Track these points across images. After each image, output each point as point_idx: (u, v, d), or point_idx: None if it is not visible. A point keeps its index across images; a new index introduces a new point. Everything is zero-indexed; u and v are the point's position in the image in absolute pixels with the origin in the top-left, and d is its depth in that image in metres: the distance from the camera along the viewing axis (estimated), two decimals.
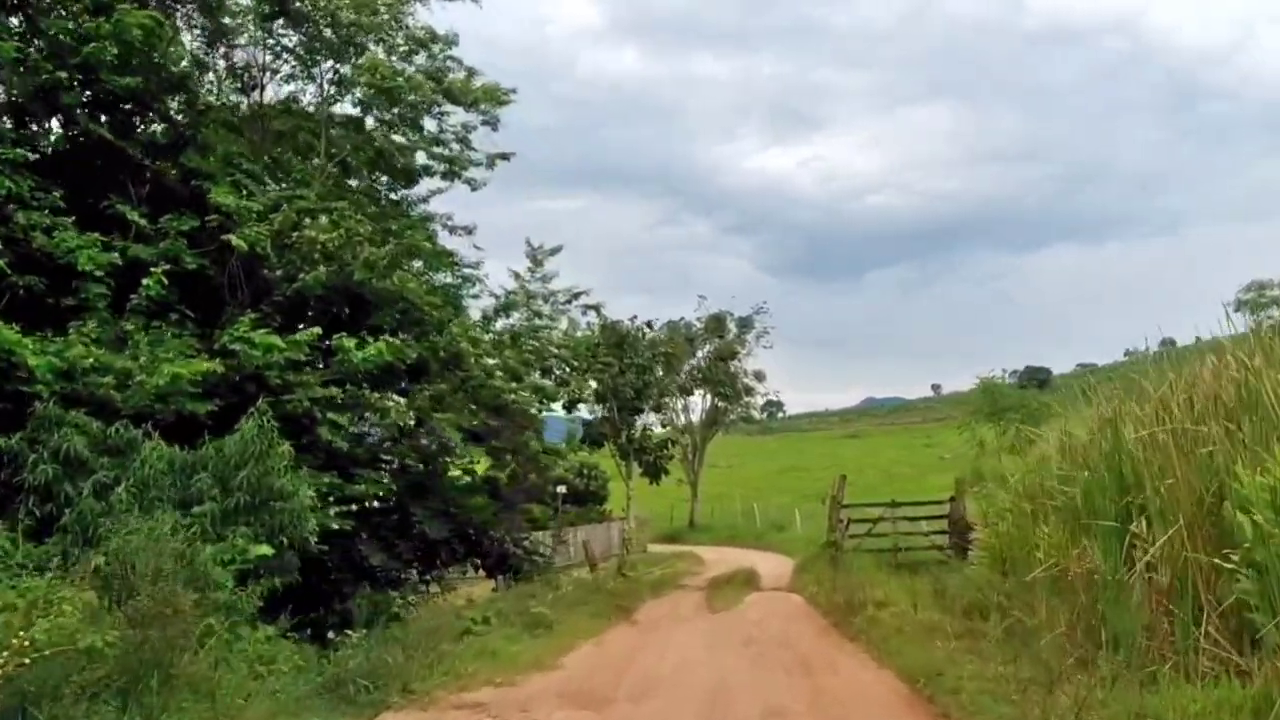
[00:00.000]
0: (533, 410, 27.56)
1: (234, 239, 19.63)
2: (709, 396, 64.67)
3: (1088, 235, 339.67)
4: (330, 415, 20.31)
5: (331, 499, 20.58)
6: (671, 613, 23.85)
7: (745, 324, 65.01)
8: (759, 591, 28.43)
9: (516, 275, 29.20)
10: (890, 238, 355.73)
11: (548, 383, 26.08)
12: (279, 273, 21.01)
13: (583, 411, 33.22)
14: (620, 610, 23.46)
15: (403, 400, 23.59)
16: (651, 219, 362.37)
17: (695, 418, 65.64)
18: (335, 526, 20.04)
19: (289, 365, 20.01)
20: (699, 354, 64.70)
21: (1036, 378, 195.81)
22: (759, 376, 65.80)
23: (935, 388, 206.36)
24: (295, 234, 20.85)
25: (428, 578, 26.80)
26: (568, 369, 29.90)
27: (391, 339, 21.24)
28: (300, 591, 20.39)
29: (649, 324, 31.56)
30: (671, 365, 32.89)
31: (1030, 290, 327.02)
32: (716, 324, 64.54)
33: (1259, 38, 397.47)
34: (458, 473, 27.33)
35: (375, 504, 25.26)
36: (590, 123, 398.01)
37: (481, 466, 60.77)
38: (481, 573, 28.75)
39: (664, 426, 67.12)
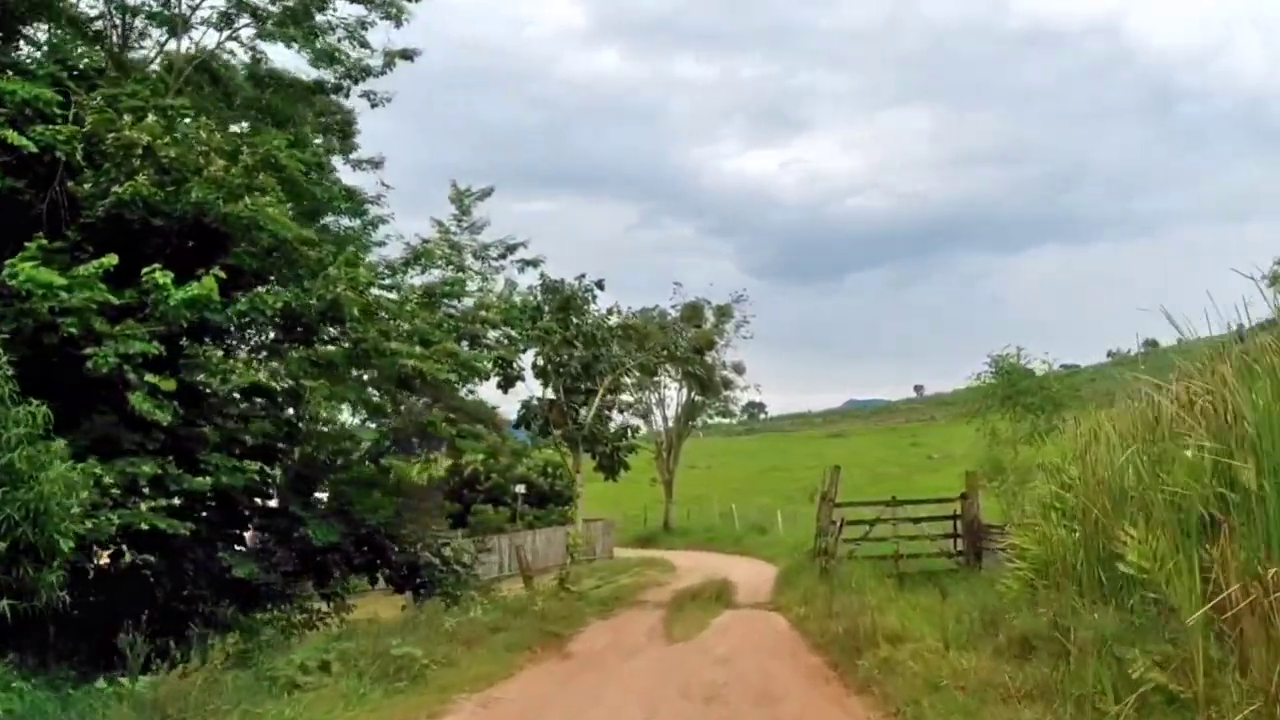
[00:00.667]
0: (455, 385, 21.74)
1: (11, 135, 14.00)
2: (684, 389, 59.06)
3: (1068, 236, 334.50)
4: (149, 378, 14.56)
5: (152, 491, 14.95)
6: (614, 643, 18.14)
7: (723, 313, 59.42)
8: (733, 610, 22.85)
9: (439, 224, 23.38)
10: (872, 240, 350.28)
11: (466, 349, 20.03)
12: (87, 186, 15.24)
13: (528, 391, 27.49)
14: (548, 640, 17.82)
15: (276, 365, 17.87)
16: (632, 220, 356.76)
17: (670, 412, 59.87)
18: (163, 527, 14.64)
19: (102, 312, 14.41)
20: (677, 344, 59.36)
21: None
22: (738, 369, 60.29)
23: (918, 389, 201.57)
24: (112, 136, 15.14)
25: (329, 592, 21.19)
26: (504, 339, 24.14)
27: (270, 291, 15.78)
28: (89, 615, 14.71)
29: (599, 284, 25.58)
30: (636, 343, 26.79)
31: (1012, 292, 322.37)
32: (693, 312, 58.92)
33: (1237, 40, 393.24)
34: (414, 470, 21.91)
35: (257, 500, 19.85)
36: (569, 124, 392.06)
37: (440, 466, 54.89)
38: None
39: (632, 420, 61.99)
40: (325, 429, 19.78)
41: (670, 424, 59.77)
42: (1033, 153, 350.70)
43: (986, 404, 30.79)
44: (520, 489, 49.34)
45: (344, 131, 24.44)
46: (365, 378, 20.27)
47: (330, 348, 18.81)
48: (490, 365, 21.56)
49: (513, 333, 23.64)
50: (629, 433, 28.08)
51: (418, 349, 18.86)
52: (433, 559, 21.96)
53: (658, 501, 61.30)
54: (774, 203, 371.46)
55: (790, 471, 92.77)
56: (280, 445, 18.52)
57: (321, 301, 17.22)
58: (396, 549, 21.18)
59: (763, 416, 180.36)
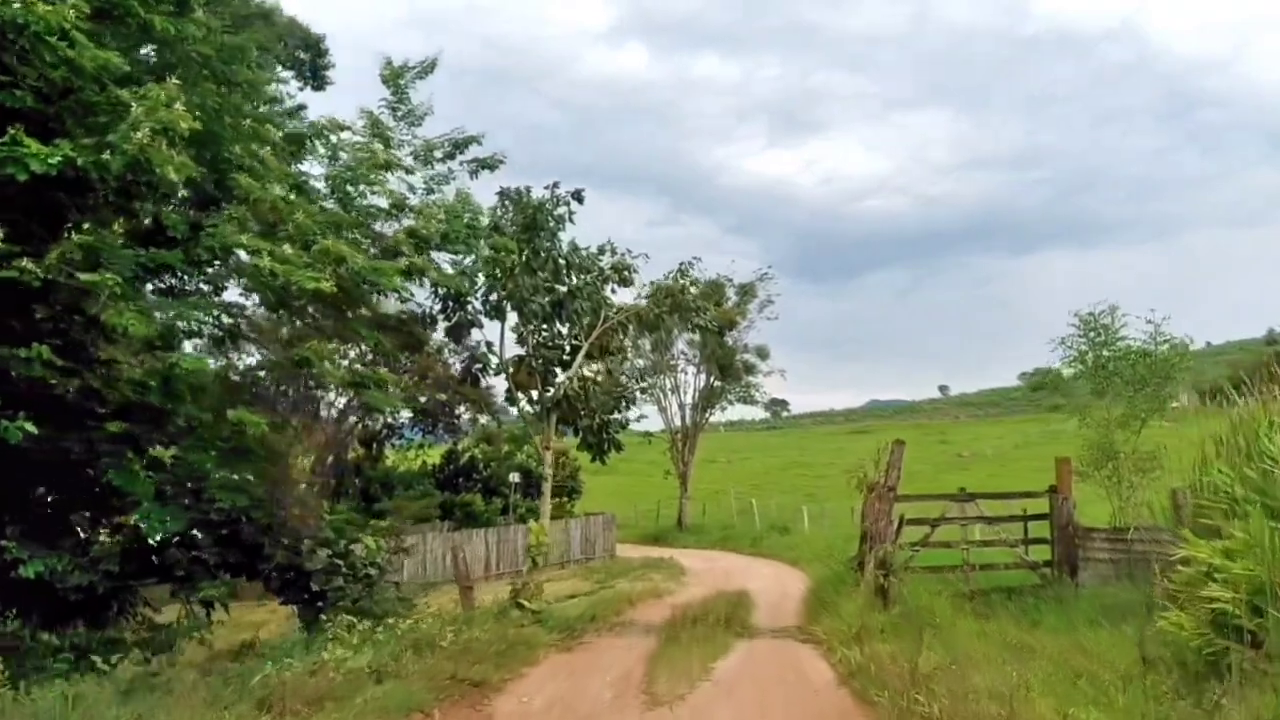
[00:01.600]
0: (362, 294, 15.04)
1: None
2: (702, 374, 52.29)
3: (1085, 239, 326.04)
4: None
5: None
6: (562, 703, 11.14)
7: (746, 292, 52.59)
8: (750, 639, 16.13)
9: (367, 113, 16.58)
10: (890, 240, 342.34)
11: (352, 252, 13.25)
12: None
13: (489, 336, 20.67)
14: (458, 697, 10.98)
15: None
16: (652, 218, 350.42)
17: (687, 399, 52.96)
18: None
19: None
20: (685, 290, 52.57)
21: (1046, 380, 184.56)
22: (761, 353, 53.38)
23: (943, 388, 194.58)
24: None
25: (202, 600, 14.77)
26: (459, 267, 17.41)
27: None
28: None
29: (577, 195, 18.61)
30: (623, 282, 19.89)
31: (1031, 294, 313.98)
32: (713, 290, 52.07)
33: (1255, 45, 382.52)
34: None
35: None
36: (591, 122, 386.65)
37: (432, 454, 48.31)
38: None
39: (643, 405, 55.14)
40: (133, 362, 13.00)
41: (686, 411, 52.81)
42: (1049, 156, 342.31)
43: (1073, 378, 23.70)
44: (515, 478, 42.73)
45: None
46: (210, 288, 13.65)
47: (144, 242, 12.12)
48: (399, 279, 14.72)
49: (460, 257, 16.93)
50: (623, 404, 21.04)
51: (287, 249, 12.19)
52: (329, 561, 15.25)
53: (672, 497, 54.41)
54: (793, 202, 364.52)
55: (811, 468, 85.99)
56: (69, 383, 11.85)
57: (122, 160, 10.57)
58: (272, 545, 14.51)
59: (784, 414, 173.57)
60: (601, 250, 20.86)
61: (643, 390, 56.35)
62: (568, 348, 20.62)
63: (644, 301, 20.82)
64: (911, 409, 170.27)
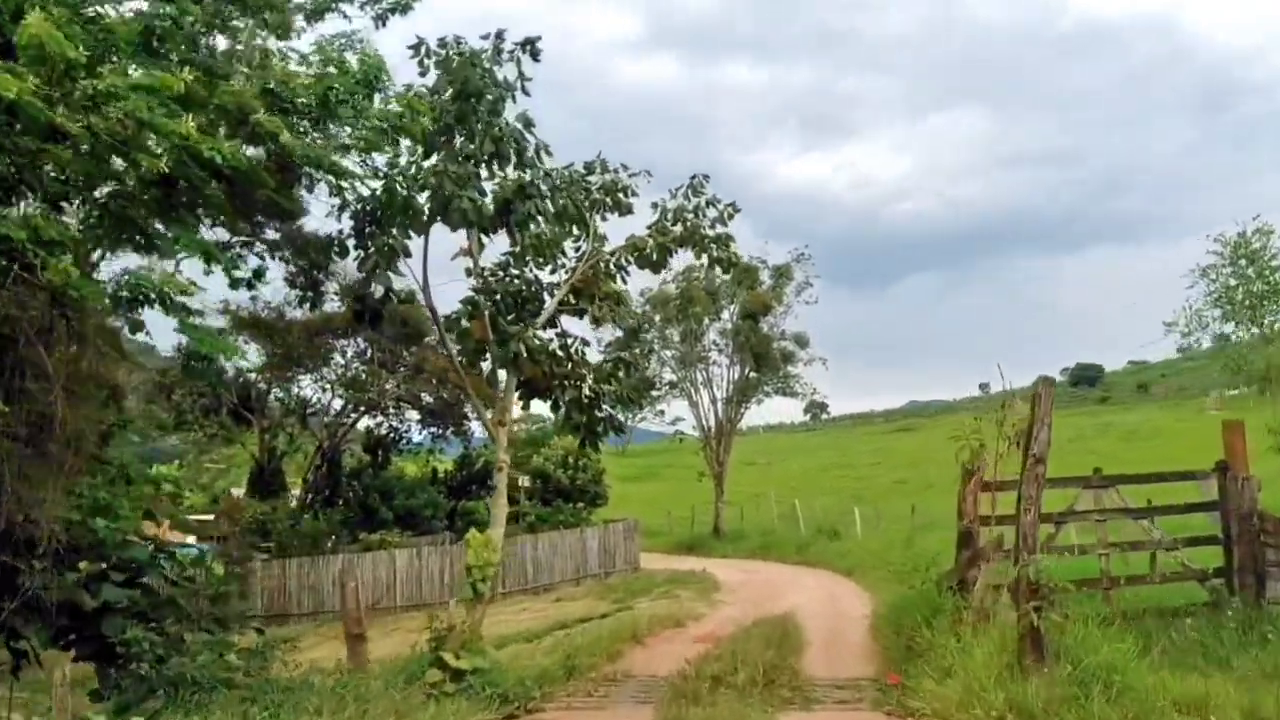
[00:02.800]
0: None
1: None
2: (736, 366, 46.06)
3: (1123, 237, 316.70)
4: None
5: None
6: None
7: (782, 274, 46.46)
8: (806, 714, 9.77)
9: None
10: (925, 243, 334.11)
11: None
12: None
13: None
14: None
15: None
16: None
17: (720, 392, 46.75)
18: None
19: None
20: (724, 313, 46.49)
21: (1088, 375, 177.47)
22: (800, 341, 47.06)
23: (983, 387, 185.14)
24: None
25: None
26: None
27: None
28: None
29: (530, 48, 12.39)
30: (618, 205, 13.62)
31: (1070, 292, 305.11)
32: (746, 274, 45.97)
33: None
34: None
35: None
36: (623, 130, 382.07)
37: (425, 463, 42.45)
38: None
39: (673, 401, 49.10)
40: None
41: (719, 407, 46.58)
42: (1083, 154, 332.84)
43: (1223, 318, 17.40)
44: (525, 482, 36.82)
45: None
46: None
47: None
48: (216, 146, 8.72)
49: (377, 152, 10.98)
50: (625, 368, 14.86)
51: None
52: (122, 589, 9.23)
53: (707, 501, 48.11)
54: (827, 206, 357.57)
55: (854, 469, 79.61)
56: None
57: None
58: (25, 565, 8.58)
59: (823, 416, 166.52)
60: (590, 169, 14.89)
61: (672, 385, 50.74)
62: (544, 285, 14.63)
63: (645, 232, 14.74)
64: (952, 408, 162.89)
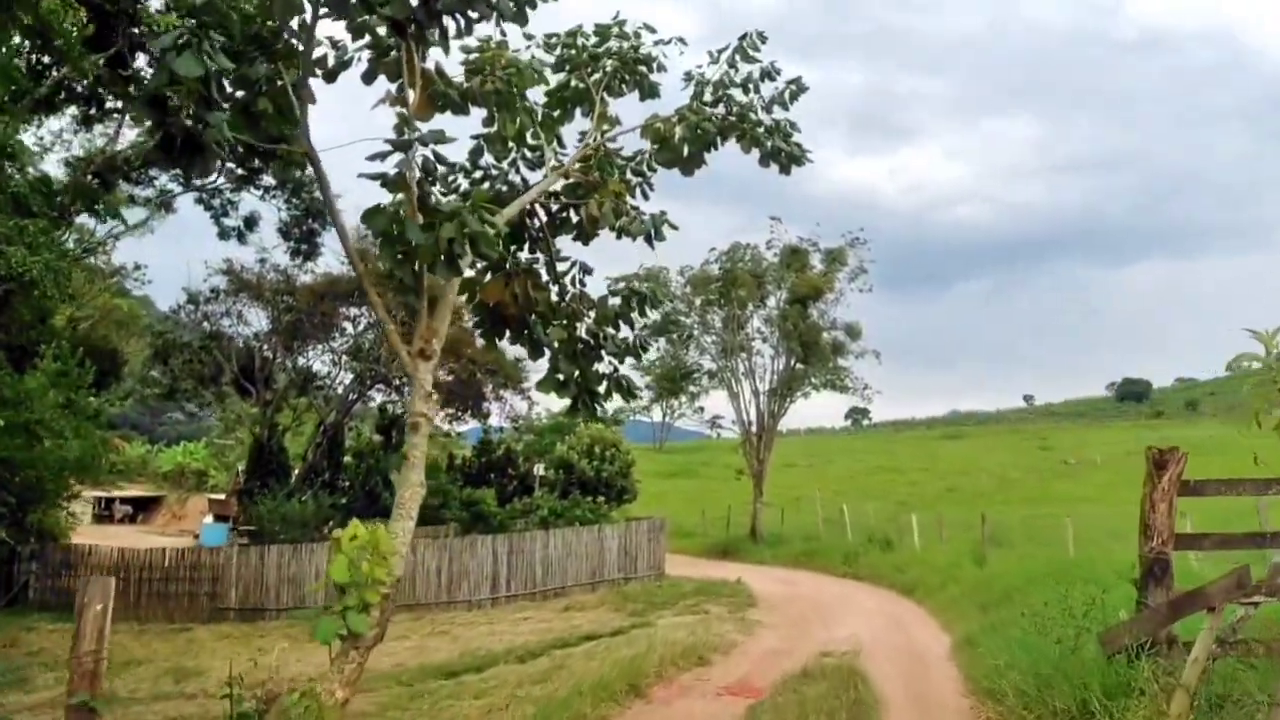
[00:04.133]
0: None
1: None
2: (781, 356, 41.09)
3: (1179, 247, 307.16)
4: None
5: None
6: None
7: (835, 259, 41.51)
8: None
9: None
10: (976, 249, 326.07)
11: None
12: None
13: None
14: None
15: None
16: (734, 224, 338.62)
17: (762, 385, 41.75)
18: None
19: None
20: (771, 299, 41.62)
21: (1134, 390, 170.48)
22: (852, 332, 42.03)
23: (1028, 398, 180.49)
24: None
25: None
26: None
27: None
28: None
29: None
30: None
31: (1120, 303, 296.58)
32: (795, 257, 41.16)
33: None
34: None
35: None
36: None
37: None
38: None
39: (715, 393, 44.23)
40: None
41: (762, 399, 41.62)
42: (1139, 161, 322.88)
43: None
44: (540, 470, 32.26)
45: None
46: None
47: None
48: None
49: None
50: (637, 303, 10.09)
51: None
52: None
53: (744, 502, 43.16)
54: (878, 210, 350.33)
55: (902, 474, 74.18)
56: None
57: None
58: None
59: (866, 422, 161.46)
60: (604, 34, 10.34)
61: (711, 375, 45.93)
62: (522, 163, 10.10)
63: (671, 115, 10.12)
64: (995, 418, 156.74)
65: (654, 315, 10.66)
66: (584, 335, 10.37)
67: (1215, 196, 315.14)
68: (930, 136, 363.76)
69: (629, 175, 10.68)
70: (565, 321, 10.10)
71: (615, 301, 10.68)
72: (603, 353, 10.37)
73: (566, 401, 10.83)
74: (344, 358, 35.37)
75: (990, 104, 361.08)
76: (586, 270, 10.87)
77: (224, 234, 28.42)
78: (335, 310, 33.79)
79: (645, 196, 10.95)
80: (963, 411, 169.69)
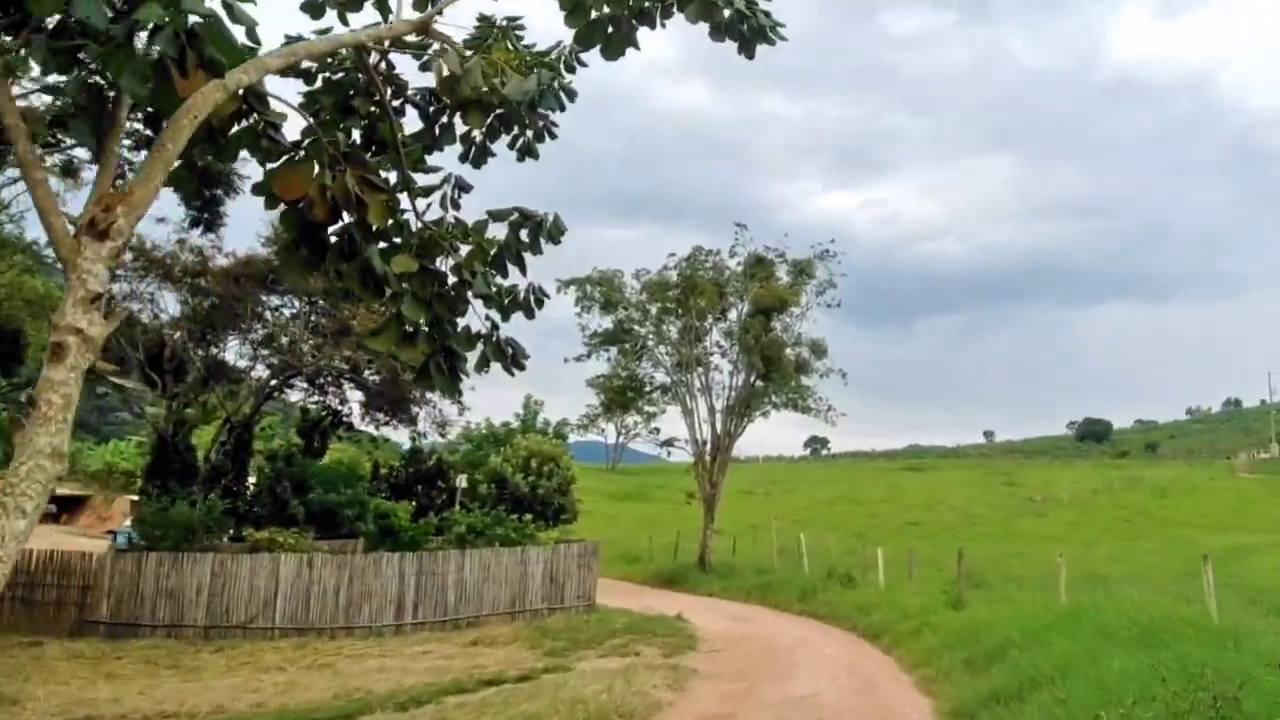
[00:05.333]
0: None
1: None
2: (742, 370, 37.69)
3: (1147, 294, 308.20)
4: None
5: None
6: None
7: (802, 271, 38.34)
8: None
9: None
10: (944, 286, 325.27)
11: None
12: None
13: None
14: None
15: None
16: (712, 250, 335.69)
17: (719, 402, 38.27)
18: None
19: None
20: (733, 312, 38.43)
21: (1095, 430, 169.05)
22: (817, 349, 38.79)
23: (988, 434, 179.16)
24: None
25: None
26: None
27: None
28: None
29: None
30: None
31: (1085, 346, 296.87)
32: (760, 267, 38.02)
33: None
34: None
35: None
36: (655, 154, 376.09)
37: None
38: None
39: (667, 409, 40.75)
40: None
41: (718, 418, 38.10)
42: (1113, 207, 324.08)
43: None
44: (463, 482, 28.76)
45: None
46: None
47: None
48: None
49: None
50: (530, 230, 6.75)
51: None
52: None
53: (697, 528, 39.59)
54: (850, 242, 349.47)
55: (863, 505, 71.14)
56: None
57: None
58: None
59: (825, 452, 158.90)
60: None
61: (664, 390, 42.49)
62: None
63: None
64: (956, 453, 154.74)
65: (552, 248, 7.15)
66: (447, 273, 7.02)
67: (1185, 246, 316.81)
68: (908, 173, 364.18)
69: (536, 67, 7.33)
70: (418, 247, 6.75)
71: (500, 232, 7.37)
72: (472, 299, 7.02)
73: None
74: (258, 349, 31.63)
75: (970, 143, 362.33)
76: (463, 187, 7.54)
77: None
78: (251, 295, 30.09)
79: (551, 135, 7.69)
80: (923, 445, 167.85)
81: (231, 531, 28.28)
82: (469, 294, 6.99)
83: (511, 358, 7.55)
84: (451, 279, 7.03)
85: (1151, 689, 8.10)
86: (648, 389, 39.21)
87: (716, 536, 38.42)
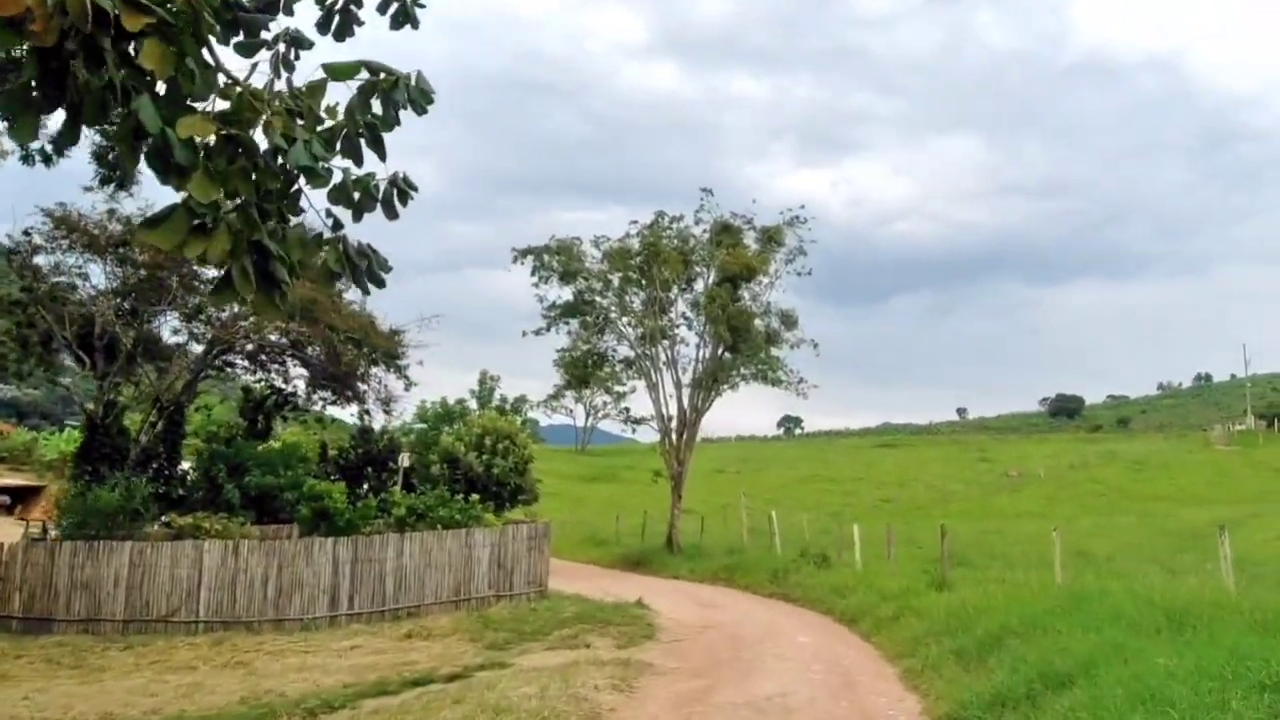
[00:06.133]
0: None
1: None
2: (710, 342, 35.69)
3: (1115, 271, 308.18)
4: None
5: None
6: None
7: (771, 238, 36.35)
8: None
9: None
10: (914, 265, 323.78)
11: None
12: None
13: None
14: None
15: None
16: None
17: (685, 375, 36.33)
18: None
19: None
20: (699, 282, 36.50)
21: (1067, 406, 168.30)
22: (788, 320, 36.82)
23: (960, 411, 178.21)
24: None
25: None
26: None
27: None
28: None
29: None
30: None
31: (1055, 323, 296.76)
32: (726, 234, 36.02)
33: None
34: None
35: None
36: (623, 136, 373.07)
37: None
38: None
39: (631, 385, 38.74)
40: None
41: (684, 392, 36.09)
42: (1082, 186, 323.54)
43: None
44: (406, 461, 26.74)
45: None
46: None
47: None
48: None
49: None
50: (385, 105, 4.73)
51: None
52: None
53: (666, 508, 37.57)
54: (819, 223, 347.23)
55: (836, 482, 69.55)
56: None
57: None
58: None
59: (798, 431, 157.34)
60: None
61: (628, 364, 40.38)
62: None
63: None
64: (929, 430, 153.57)
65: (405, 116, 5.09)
66: (262, 140, 4.98)
67: (1153, 224, 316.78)
68: (877, 153, 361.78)
69: None
70: (213, 109, 4.72)
71: (346, 99, 5.32)
72: (292, 177, 4.99)
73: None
74: (190, 323, 29.32)
75: (939, 123, 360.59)
76: (299, 43, 5.46)
77: (27, 158, 22.22)
78: (181, 264, 27.75)
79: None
80: (897, 424, 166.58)
81: (163, 518, 26.13)
82: (287, 165, 4.95)
83: (368, 270, 5.49)
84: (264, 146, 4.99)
85: (1209, 693, 6.21)
86: (610, 363, 37.15)
87: (685, 516, 36.49)
